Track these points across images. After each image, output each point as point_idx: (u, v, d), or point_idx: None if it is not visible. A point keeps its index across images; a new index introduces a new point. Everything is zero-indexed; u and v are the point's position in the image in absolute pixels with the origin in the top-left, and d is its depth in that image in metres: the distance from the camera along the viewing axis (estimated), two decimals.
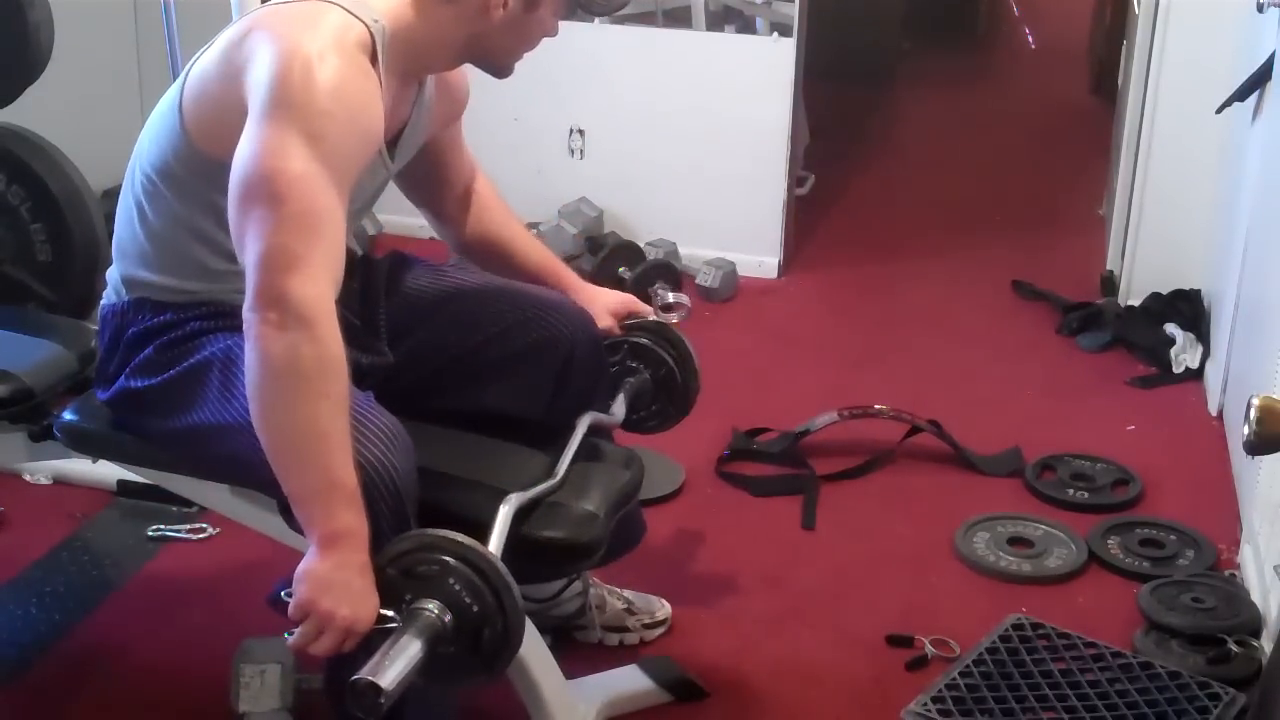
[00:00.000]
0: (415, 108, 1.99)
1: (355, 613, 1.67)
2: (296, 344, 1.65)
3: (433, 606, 1.67)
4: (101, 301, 2.04)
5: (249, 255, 1.69)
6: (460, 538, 1.69)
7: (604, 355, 2.24)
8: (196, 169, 1.86)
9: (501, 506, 1.86)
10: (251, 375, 1.69)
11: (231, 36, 1.82)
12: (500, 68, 1.98)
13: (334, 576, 1.67)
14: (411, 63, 1.89)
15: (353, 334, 2.04)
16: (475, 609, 1.68)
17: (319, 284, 1.68)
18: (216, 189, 1.79)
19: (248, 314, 1.68)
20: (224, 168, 1.75)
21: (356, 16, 1.80)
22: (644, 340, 2.31)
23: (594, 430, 2.12)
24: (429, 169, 2.18)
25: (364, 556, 1.69)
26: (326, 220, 1.70)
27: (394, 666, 1.60)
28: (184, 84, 1.88)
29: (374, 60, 1.80)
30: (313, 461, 1.68)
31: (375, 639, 1.67)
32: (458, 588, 1.67)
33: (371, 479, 1.74)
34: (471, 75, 2.07)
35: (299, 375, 1.66)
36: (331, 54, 1.73)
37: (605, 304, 2.30)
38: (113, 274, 2.02)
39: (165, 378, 1.92)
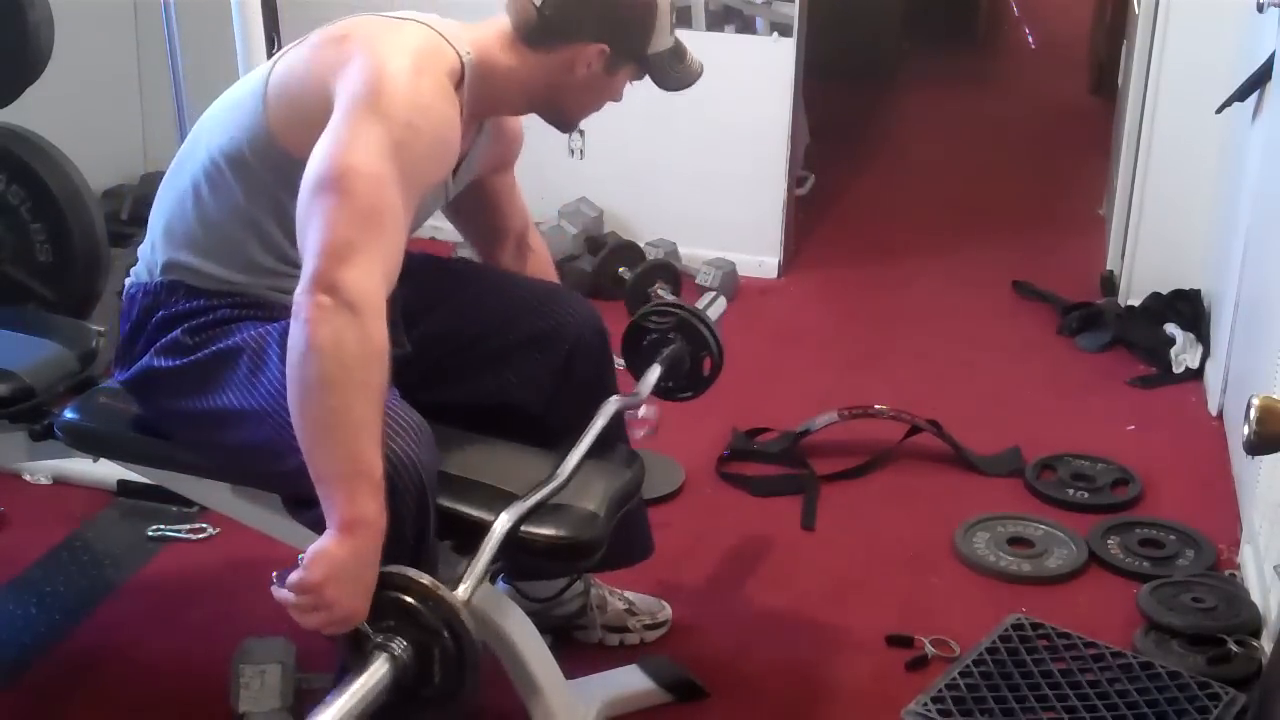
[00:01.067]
0: (474, 143, 2.04)
1: (356, 606, 1.69)
2: (343, 330, 1.67)
3: (399, 648, 1.71)
4: (129, 280, 2.03)
5: (310, 240, 1.72)
6: (458, 611, 1.71)
7: (608, 346, 2.24)
8: (271, 162, 1.88)
9: (495, 525, 1.86)
10: (295, 355, 1.70)
11: (327, 36, 1.87)
12: (567, 122, 2.06)
13: (347, 564, 1.68)
14: (487, 98, 1.95)
15: None
16: (436, 675, 1.71)
17: (373, 277, 1.71)
18: (284, 185, 1.82)
19: (300, 296, 1.70)
20: (298, 165, 1.78)
21: (450, 44, 1.87)
22: (686, 315, 2.35)
23: (615, 417, 2.13)
24: (480, 211, 2.25)
25: (378, 551, 1.70)
26: (390, 221, 1.74)
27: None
28: (269, 75, 1.90)
29: (458, 88, 1.87)
30: (344, 446, 1.69)
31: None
32: (434, 649, 1.71)
33: (398, 472, 1.76)
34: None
35: (342, 361, 1.68)
36: (425, 74, 1.81)
37: None
38: (149, 253, 2.01)
39: (192, 359, 1.92)
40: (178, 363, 1.93)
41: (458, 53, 1.88)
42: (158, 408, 1.99)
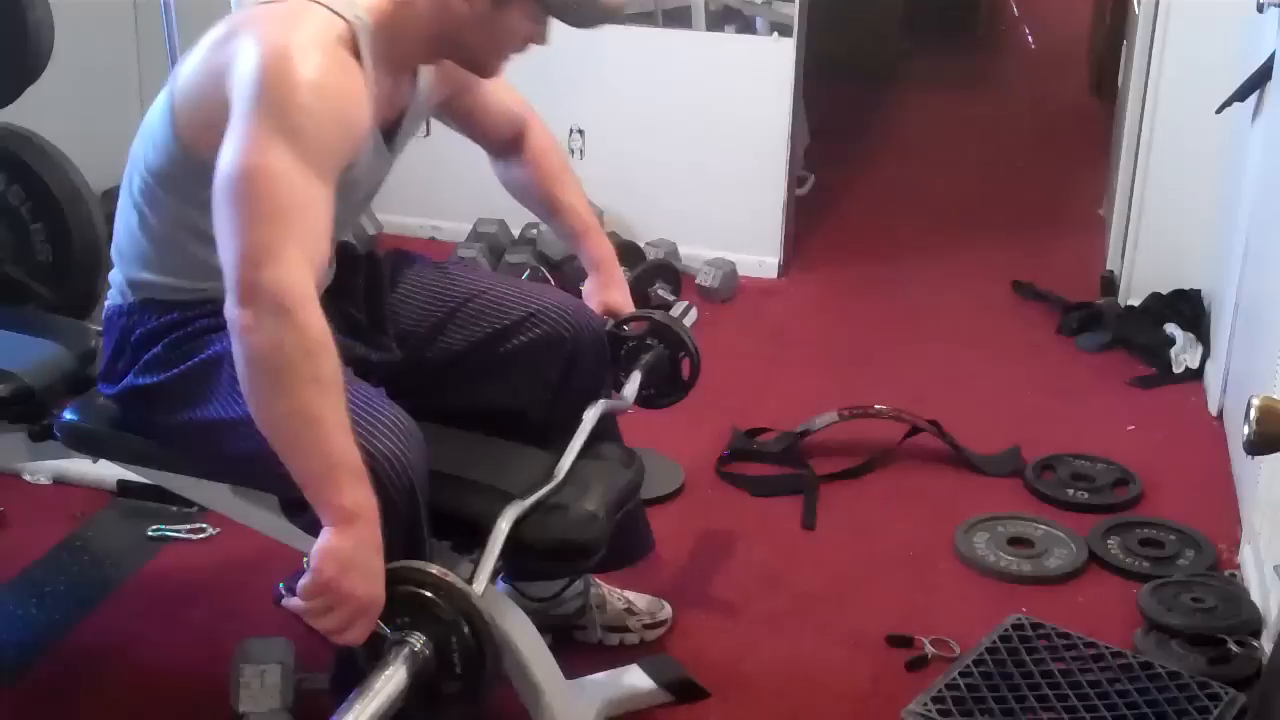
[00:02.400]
0: (412, 97, 2.01)
1: (374, 592, 1.69)
2: (276, 332, 1.66)
3: (418, 643, 1.71)
4: (106, 303, 2.04)
5: (225, 252, 1.71)
6: (474, 601, 1.71)
7: (606, 351, 2.24)
8: (191, 170, 1.86)
9: (499, 521, 1.86)
10: (241, 370, 1.70)
11: (215, 38, 1.84)
12: (478, 66, 1.99)
13: (355, 555, 1.67)
14: (394, 55, 1.90)
15: (359, 331, 2.05)
16: (457, 669, 1.72)
17: (295, 271, 1.68)
18: (212, 188, 1.80)
19: (229, 311, 1.69)
20: (216, 167, 1.76)
21: (338, 13, 1.81)
22: (660, 319, 2.36)
23: (603, 419, 2.12)
24: (467, 127, 2.27)
25: (379, 535, 1.70)
26: (301, 211, 1.71)
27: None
28: (174, 88, 1.89)
29: (357, 54, 1.82)
30: (312, 446, 1.69)
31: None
32: (453, 640, 1.71)
33: (386, 473, 1.76)
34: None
35: (285, 364, 1.66)
36: (312, 51, 1.74)
37: (604, 299, 2.33)
38: (115, 277, 2.03)
39: (174, 373, 1.93)
40: (160, 378, 1.94)
41: (346, 20, 1.82)
42: (146, 422, 2.00)
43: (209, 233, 1.88)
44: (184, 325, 1.94)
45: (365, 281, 2.13)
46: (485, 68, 1.99)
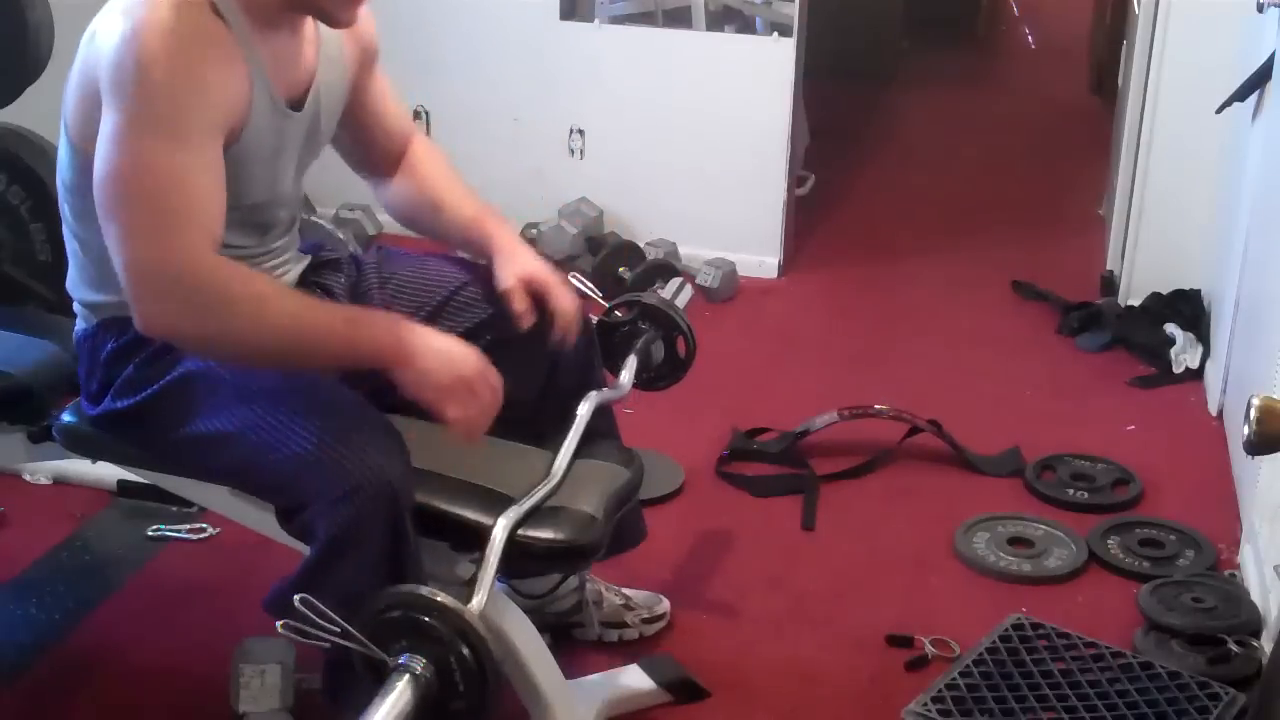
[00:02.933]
0: (320, 55, 1.98)
1: (464, 355, 1.82)
2: (205, 313, 1.74)
3: (419, 666, 1.71)
4: (74, 329, 2.03)
5: (118, 260, 1.74)
6: (468, 619, 1.72)
7: (594, 338, 2.24)
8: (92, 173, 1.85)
9: (495, 530, 1.85)
10: (207, 350, 1.79)
11: (85, 39, 1.82)
12: (327, 15, 1.90)
13: (427, 351, 1.79)
14: (263, 11, 1.85)
15: None
16: (461, 688, 1.72)
17: (190, 252, 1.73)
18: None
19: (144, 318, 1.75)
20: None
21: None
22: (648, 301, 2.34)
23: (601, 415, 2.12)
24: (356, 124, 2.15)
25: (411, 324, 1.82)
26: (176, 188, 1.73)
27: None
28: (65, 99, 1.87)
29: (220, 16, 1.79)
30: (314, 340, 1.78)
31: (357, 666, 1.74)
32: (452, 659, 1.72)
33: (365, 485, 1.76)
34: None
35: (229, 325, 1.74)
36: (156, 25, 1.72)
37: (518, 269, 2.11)
38: (75, 305, 2.02)
39: (150, 393, 1.92)
40: (137, 399, 1.93)
41: None
42: (135, 441, 1.99)
43: None
44: (150, 342, 1.91)
45: (351, 283, 2.13)
46: (333, 16, 1.90)
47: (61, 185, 1.93)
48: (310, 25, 1.95)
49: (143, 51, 1.71)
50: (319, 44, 1.98)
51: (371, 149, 2.20)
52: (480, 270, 2.18)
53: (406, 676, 1.70)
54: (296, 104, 1.95)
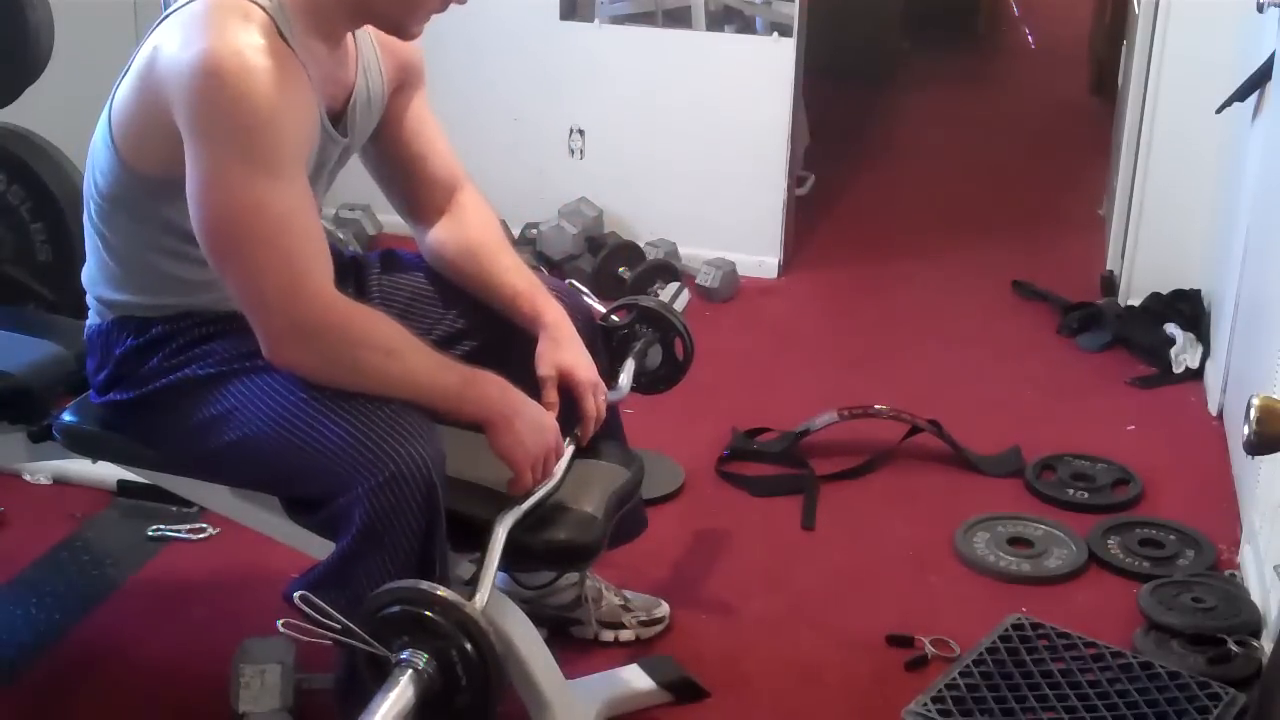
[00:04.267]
0: (359, 71, 1.96)
1: (550, 424, 1.93)
2: (335, 350, 1.79)
3: (421, 662, 1.71)
4: (86, 323, 2.03)
5: (244, 303, 1.78)
6: (470, 613, 1.72)
7: (600, 342, 2.24)
8: (140, 189, 1.86)
9: (496, 529, 1.85)
10: (342, 383, 1.81)
11: (144, 58, 1.80)
12: (396, 26, 1.88)
13: (526, 420, 1.88)
14: (323, 27, 1.84)
15: None
16: (463, 682, 1.72)
17: (318, 292, 1.78)
18: (168, 203, 1.81)
19: (278, 357, 1.79)
20: (166, 183, 1.78)
21: (253, 1, 1.77)
22: (646, 304, 2.34)
23: (610, 414, 2.12)
24: (400, 159, 2.11)
25: (509, 386, 1.89)
26: (290, 227, 1.75)
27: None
28: (110, 110, 1.86)
29: (282, 36, 1.77)
30: (431, 398, 1.84)
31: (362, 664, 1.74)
32: (454, 654, 1.71)
33: (406, 473, 1.77)
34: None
35: (355, 365, 1.80)
36: (236, 55, 1.70)
37: (559, 360, 2.05)
38: (90, 299, 2.01)
39: (165, 383, 1.92)
40: (151, 388, 1.93)
41: (260, 6, 1.76)
42: (141, 432, 1.99)
43: (174, 247, 1.88)
44: (169, 339, 1.92)
45: (354, 288, 2.11)
46: (403, 29, 1.89)
47: (96, 190, 1.90)
48: (350, 38, 1.93)
49: (229, 86, 1.69)
50: (358, 58, 1.96)
51: (415, 192, 2.13)
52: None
53: (409, 672, 1.70)
54: (337, 121, 1.94)
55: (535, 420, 1.90)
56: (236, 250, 1.75)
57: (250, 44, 1.72)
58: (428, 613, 1.71)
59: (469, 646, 1.70)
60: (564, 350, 2.05)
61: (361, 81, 1.97)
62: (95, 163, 1.90)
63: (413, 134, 2.10)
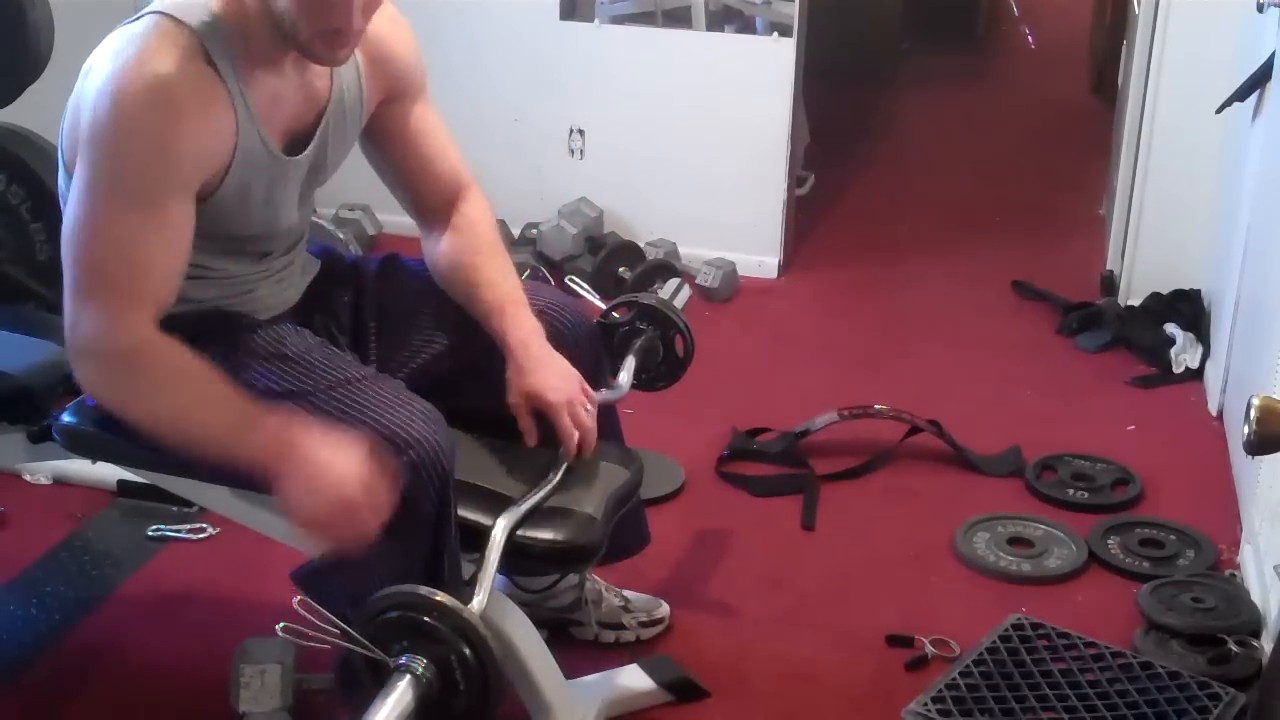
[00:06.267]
0: (334, 89, 1.93)
1: (354, 474, 1.71)
2: (130, 384, 1.76)
3: (420, 666, 1.72)
4: None
5: (66, 315, 1.76)
6: (468, 618, 1.72)
7: (602, 346, 2.24)
8: None
9: (495, 530, 1.85)
10: (127, 416, 1.77)
11: (83, 71, 1.81)
12: (310, 53, 1.81)
13: (310, 471, 1.71)
14: (260, 52, 1.81)
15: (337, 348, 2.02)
16: (461, 687, 1.73)
17: (134, 329, 1.74)
18: None
19: (78, 372, 1.77)
20: None
21: (180, 20, 1.76)
22: (646, 301, 2.34)
23: (604, 415, 2.12)
24: (402, 168, 2.09)
25: (302, 433, 1.73)
26: (130, 257, 1.74)
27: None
28: (60, 135, 1.87)
29: (210, 62, 1.76)
30: (212, 431, 1.75)
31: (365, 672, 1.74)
32: (453, 659, 1.72)
33: (421, 458, 1.77)
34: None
35: (149, 402, 1.76)
36: (136, 80, 1.71)
37: (525, 387, 1.99)
38: None
39: None
40: None
41: (189, 26, 1.75)
42: (139, 436, 1.98)
43: None
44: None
45: (353, 298, 2.11)
46: (320, 56, 1.82)
47: (62, 202, 1.90)
48: None
49: (118, 110, 1.71)
50: (334, 75, 1.93)
51: (417, 197, 2.12)
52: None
53: (408, 677, 1.70)
54: (298, 144, 1.91)
55: (316, 477, 1.71)
56: (71, 265, 1.76)
57: (159, 72, 1.72)
58: (426, 618, 1.71)
59: (467, 651, 1.70)
60: (529, 374, 1.98)
61: (336, 100, 1.94)
62: (60, 177, 1.89)
63: (413, 143, 2.08)
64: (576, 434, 1.99)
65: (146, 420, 1.77)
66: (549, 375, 1.99)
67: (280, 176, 1.92)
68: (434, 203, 2.11)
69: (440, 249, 2.10)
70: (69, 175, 1.83)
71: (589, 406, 2.02)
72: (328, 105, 1.93)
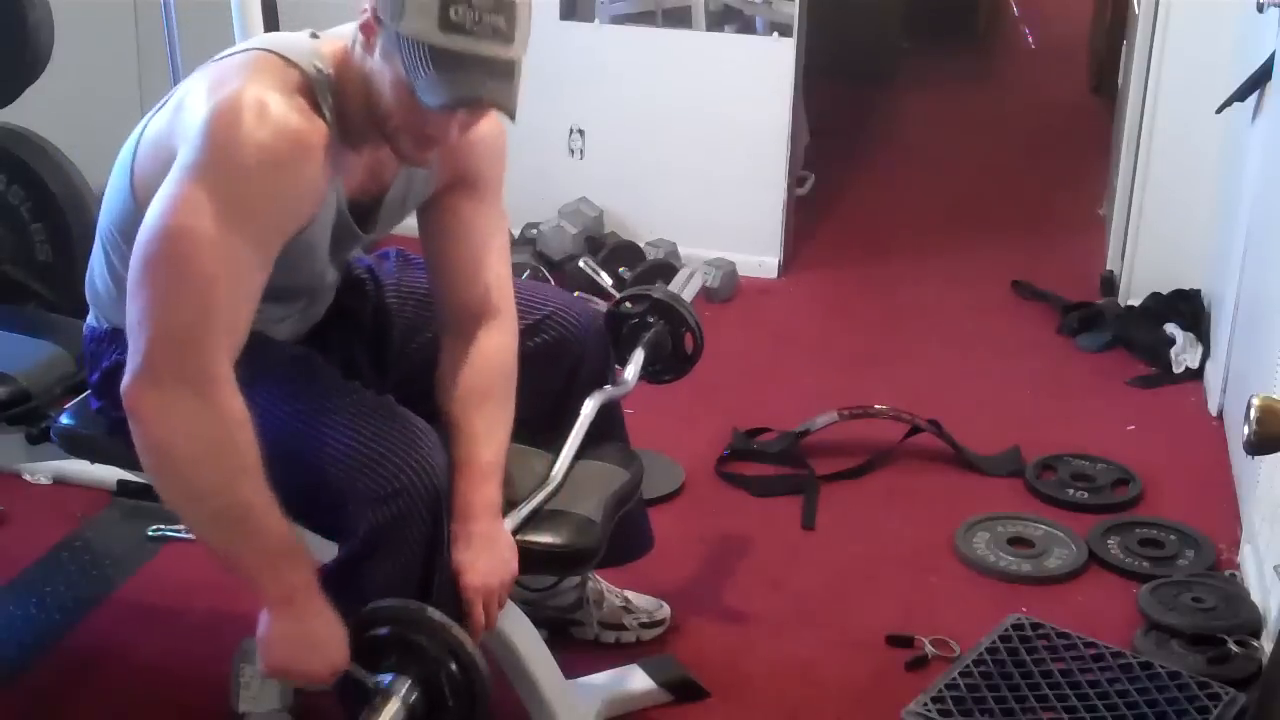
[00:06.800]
0: (403, 175, 1.88)
1: (329, 660, 1.72)
2: (192, 421, 1.63)
3: (403, 687, 1.71)
4: (87, 318, 2.02)
5: (137, 320, 1.64)
6: (457, 634, 1.72)
7: (609, 350, 2.24)
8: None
9: None
10: (153, 460, 1.67)
11: (179, 98, 1.76)
12: (396, 150, 1.77)
13: (296, 634, 1.71)
14: (355, 128, 1.76)
15: (357, 372, 2.00)
16: (450, 703, 1.72)
17: (214, 356, 1.64)
18: None
19: (130, 389, 1.64)
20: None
21: (294, 62, 1.72)
22: (660, 296, 2.33)
23: (609, 414, 2.12)
24: (431, 252, 2.00)
25: (319, 600, 1.71)
26: (227, 286, 1.65)
27: None
28: (138, 138, 1.83)
29: (317, 109, 1.71)
30: (247, 538, 1.70)
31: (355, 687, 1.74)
32: (441, 675, 1.72)
33: (411, 484, 1.76)
34: None
35: (207, 456, 1.65)
36: (264, 103, 1.65)
37: (469, 580, 1.83)
38: (91, 305, 2.00)
39: None
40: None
41: (301, 69, 1.71)
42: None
43: None
44: None
45: (372, 307, 2.10)
46: (404, 155, 1.77)
47: (109, 218, 1.87)
48: None
49: (239, 127, 1.62)
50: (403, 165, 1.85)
51: (447, 294, 1.98)
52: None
53: (394, 699, 1.70)
54: (360, 212, 1.86)
55: (302, 647, 1.71)
56: (160, 267, 1.64)
57: (281, 99, 1.66)
58: (413, 635, 1.71)
59: (454, 666, 1.70)
60: (462, 549, 1.83)
61: (401, 184, 1.89)
62: (114, 186, 1.86)
63: (462, 239, 1.97)
64: (482, 625, 1.85)
65: (195, 479, 1.66)
66: (480, 556, 1.84)
67: (343, 243, 1.90)
68: (459, 313, 1.98)
69: (446, 369, 1.97)
70: (132, 189, 1.78)
71: (505, 602, 1.90)
72: (394, 180, 1.89)
